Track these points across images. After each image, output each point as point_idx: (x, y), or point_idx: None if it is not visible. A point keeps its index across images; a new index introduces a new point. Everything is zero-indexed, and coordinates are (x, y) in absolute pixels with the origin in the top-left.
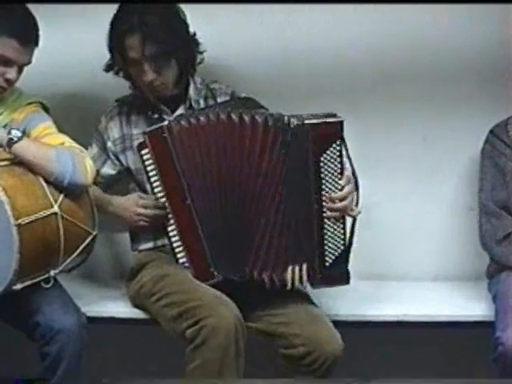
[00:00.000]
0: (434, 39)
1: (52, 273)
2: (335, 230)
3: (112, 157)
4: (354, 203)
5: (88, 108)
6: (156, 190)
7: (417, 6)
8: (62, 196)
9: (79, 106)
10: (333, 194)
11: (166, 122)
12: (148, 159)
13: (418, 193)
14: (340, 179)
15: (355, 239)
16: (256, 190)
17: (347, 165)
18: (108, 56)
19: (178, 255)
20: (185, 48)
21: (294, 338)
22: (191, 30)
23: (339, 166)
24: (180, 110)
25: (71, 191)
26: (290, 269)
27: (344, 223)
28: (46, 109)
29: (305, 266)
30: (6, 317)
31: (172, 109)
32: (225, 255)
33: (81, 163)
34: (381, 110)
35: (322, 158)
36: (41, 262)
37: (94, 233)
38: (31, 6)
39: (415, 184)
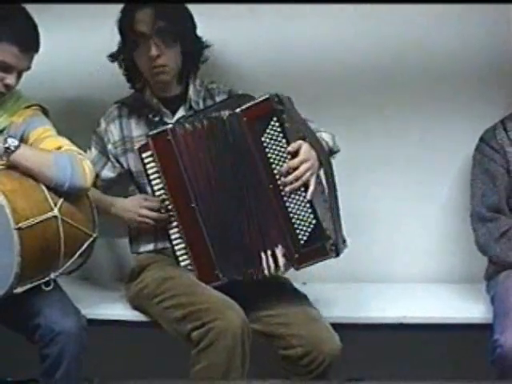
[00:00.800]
0: (432, 41)
1: (52, 275)
2: (300, 205)
3: (112, 159)
4: (317, 164)
5: (87, 111)
6: (158, 193)
7: (414, 9)
8: (61, 199)
9: (78, 108)
10: (282, 168)
11: (170, 125)
12: (150, 162)
13: (416, 194)
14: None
15: (353, 239)
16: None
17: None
18: (106, 59)
19: (180, 258)
20: (191, 38)
21: (292, 338)
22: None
23: (284, 140)
24: (180, 112)
25: (71, 194)
26: (262, 255)
27: (308, 196)
28: (45, 112)
29: (278, 250)
30: (5, 319)
31: (172, 111)
32: (228, 256)
33: (80, 166)
34: (378, 111)
35: (263, 139)
36: (41, 265)
37: (95, 235)
38: (31, 10)
39: (413, 185)
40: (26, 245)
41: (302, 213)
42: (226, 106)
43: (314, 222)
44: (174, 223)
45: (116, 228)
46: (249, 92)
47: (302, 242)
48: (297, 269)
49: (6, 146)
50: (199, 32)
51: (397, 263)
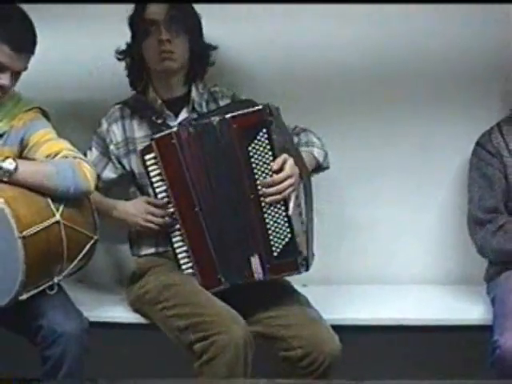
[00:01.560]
0: (431, 47)
1: (56, 279)
2: (277, 218)
3: (114, 160)
4: (294, 181)
5: (87, 112)
6: (160, 196)
7: (414, 14)
8: (62, 204)
9: (78, 109)
10: (263, 182)
11: (174, 129)
12: (152, 164)
13: (414, 198)
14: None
15: (352, 242)
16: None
17: (289, 147)
18: (106, 60)
19: (181, 261)
20: (199, 37)
21: (292, 340)
22: None
23: (270, 153)
24: (183, 113)
25: (76, 199)
26: (252, 260)
27: (287, 211)
28: (45, 114)
29: (254, 259)
30: (8, 321)
31: (175, 112)
32: (228, 260)
33: (81, 172)
34: (376, 116)
35: (250, 148)
36: (45, 270)
37: (96, 237)
38: (30, 11)
39: (410, 189)
40: (30, 252)
41: (279, 226)
42: (227, 111)
43: (289, 236)
44: (176, 227)
45: (116, 231)
46: (247, 94)
47: (275, 254)
48: (267, 279)
49: (5, 169)
50: None
51: (396, 265)
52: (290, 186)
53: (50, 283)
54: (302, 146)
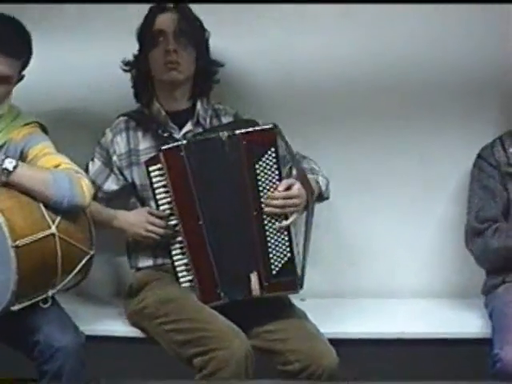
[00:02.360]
0: (430, 58)
1: (50, 293)
2: (279, 237)
3: (116, 171)
4: (304, 204)
5: (86, 125)
6: (162, 208)
7: (412, 24)
8: (59, 217)
9: (77, 123)
10: (270, 195)
11: (184, 141)
12: (157, 176)
13: (413, 210)
14: (278, 185)
15: (351, 255)
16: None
17: (293, 170)
18: (105, 72)
19: (180, 274)
20: (206, 53)
21: (290, 354)
22: None
23: (276, 172)
24: (188, 126)
25: (69, 212)
26: (251, 277)
27: (288, 231)
28: (43, 129)
29: (253, 276)
30: (4, 336)
31: (179, 125)
32: (229, 275)
33: (78, 185)
34: (376, 128)
35: (257, 166)
36: (39, 282)
37: (92, 252)
38: (29, 22)
39: (410, 201)
40: (23, 262)
41: (280, 245)
42: (238, 127)
43: (288, 255)
44: (177, 239)
45: (114, 243)
46: (248, 106)
47: (273, 272)
48: (264, 296)
49: (4, 167)
50: None
51: (394, 278)
52: (295, 205)
53: (44, 296)
54: (307, 173)
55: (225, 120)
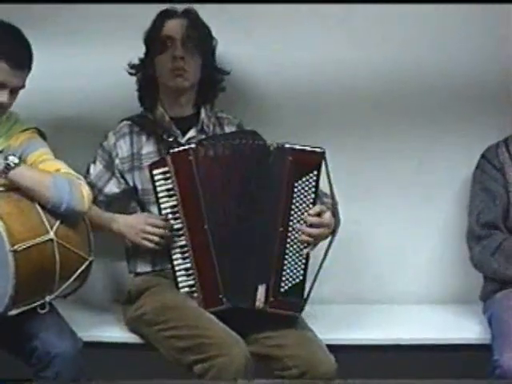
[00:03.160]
0: (428, 63)
1: (47, 298)
2: (297, 258)
3: (118, 175)
4: (327, 233)
5: (86, 130)
6: (164, 212)
7: (411, 31)
8: (57, 222)
9: (77, 128)
10: (304, 218)
11: (192, 145)
12: (161, 179)
13: (413, 216)
14: (310, 209)
15: (350, 261)
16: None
17: (324, 198)
18: (104, 80)
19: (179, 279)
20: (212, 61)
21: (287, 360)
22: None
23: (313, 195)
24: (191, 132)
25: (67, 218)
26: (259, 288)
27: (307, 255)
28: (42, 135)
29: (261, 287)
30: (2, 343)
31: (183, 131)
32: (233, 282)
33: (77, 190)
34: (377, 133)
35: (297, 184)
36: (36, 287)
37: (90, 259)
38: (29, 29)
39: (410, 207)
40: (21, 267)
41: (295, 266)
42: (246, 136)
43: (300, 277)
44: (178, 243)
45: (112, 249)
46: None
47: (282, 289)
48: (265, 310)
49: (7, 162)
50: None
51: (393, 284)
52: (323, 235)
53: (41, 301)
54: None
55: (228, 129)
